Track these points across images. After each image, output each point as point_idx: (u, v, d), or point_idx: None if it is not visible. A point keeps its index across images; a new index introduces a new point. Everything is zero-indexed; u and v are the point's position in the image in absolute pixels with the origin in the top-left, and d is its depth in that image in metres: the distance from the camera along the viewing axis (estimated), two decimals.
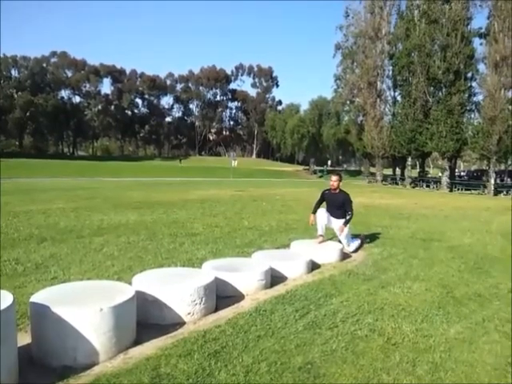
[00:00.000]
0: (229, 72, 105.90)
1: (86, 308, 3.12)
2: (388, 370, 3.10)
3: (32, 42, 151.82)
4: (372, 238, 8.52)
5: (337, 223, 7.20)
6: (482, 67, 37.23)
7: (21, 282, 4.87)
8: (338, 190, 7.32)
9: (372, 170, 54.22)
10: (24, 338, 3.34)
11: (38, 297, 3.27)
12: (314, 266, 5.96)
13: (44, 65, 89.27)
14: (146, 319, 3.75)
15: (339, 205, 7.24)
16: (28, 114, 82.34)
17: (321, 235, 6.97)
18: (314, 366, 3.10)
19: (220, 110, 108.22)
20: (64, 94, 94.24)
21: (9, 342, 2.78)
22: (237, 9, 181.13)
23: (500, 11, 33.09)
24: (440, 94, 38.13)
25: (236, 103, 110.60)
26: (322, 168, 66.56)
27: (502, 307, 4.56)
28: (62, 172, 41.18)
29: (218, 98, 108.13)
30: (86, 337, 3.07)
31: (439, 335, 3.75)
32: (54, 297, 3.30)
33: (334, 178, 7.33)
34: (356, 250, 7.25)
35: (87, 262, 5.89)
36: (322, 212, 7.15)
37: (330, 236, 7.62)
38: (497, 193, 33.83)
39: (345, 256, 6.77)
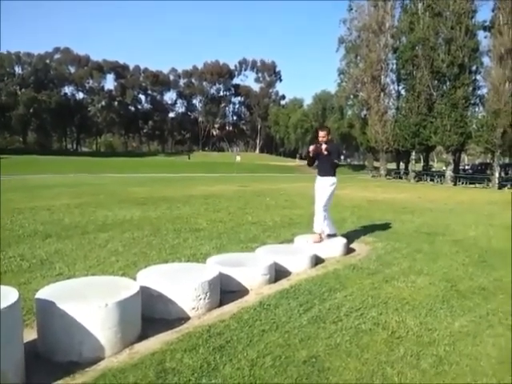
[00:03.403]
0: (232, 67, 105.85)
1: (91, 303, 3.15)
2: (392, 363, 3.11)
3: (35, 39, 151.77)
4: (376, 232, 8.52)
5: (322, 183, 6.81)
6: (486, 60, 37.07)
7: (26, 278, 4.90)
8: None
9: (376, 164, 54.14)
10: (30, 334, 3.37)
11: (44, 293, 3.30)
12: (317, 261, 5.97)
13: (47, 61, 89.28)
14: (151, 314, 3.77)
15: (329, 156, 6.68)
16: (32, 110, 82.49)
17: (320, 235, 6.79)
18: (318, 360, 3.12)
19: (223, 105, 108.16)
20: (67, 90, 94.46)
21: (15, 338, 2.81)
22: (240, 3, 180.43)
23: (505, 3, 32.85)
24: (444, 87, 37.97)
25: (239, 98, 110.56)
26: None
27: (506, 300, 4.56)
28: (66, 168, 41.32)
29: (222, 93, 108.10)
30: (91, 332, 3.10)
31: (443, 329, 3.75)
32: (59, 293, 3.32)
33: (322, 133, 6.67)
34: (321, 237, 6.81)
35: (92, 257, 5.92)
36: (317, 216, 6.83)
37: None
38: (501, 186, 33.70)
39: (349, 250, 6.78)
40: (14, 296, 2.85)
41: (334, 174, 6.84)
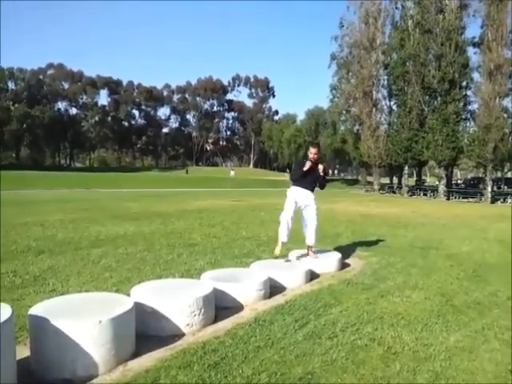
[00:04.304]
0: (225, 83, 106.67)
1: (84, 320, 3.12)
2: (388, 379, 3.09)
3: (29, 54, 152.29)
4: (370, 246, 8.52)
5: (308, 195, 6.65)
6: (476, 76, 37.56)
7: (19, 294, 4.85)
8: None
9: (369, 178, 54.42)
10: (23, 351, 3.32)
11: (37, 309, 3.26)
12: (312, 276, 5.96)
13: (41, 77, 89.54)
14: (144, 331, 3.73)
15: (316, 178, 6.66)
16: (25, 125, 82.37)
17: (282, 242, 6.64)
18: (314, 377, 3.09)
19: (217, 120, 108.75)
20: (61, 105, 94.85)
21: (7, 355, 2.77)
22: (233, 20, 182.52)
23: (492, 20, 33.43)
24: (435, 102, 38.31)
25: (233, 113, 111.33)
26: None
27: (501, 315, 4.56)
28: (59, 184, 41.08)
29: (215, 108, 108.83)
30: (85, 349, 3.06)
31: (439, 344, 3.74)
32: (52, 309, 3.28)
33: (314, 150, 6.51)
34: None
35: (85, 273, 5.87)
36: (287, 223, 6.61)
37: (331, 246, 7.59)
38: (494, 200, 33.92)
39: (343, 265, 6.77)
40: (7, 312, 2.82)
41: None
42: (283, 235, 6.65)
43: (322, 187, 6.95)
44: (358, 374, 3.15)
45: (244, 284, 4.80)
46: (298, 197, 6.65)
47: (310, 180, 6.66)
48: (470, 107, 38.97)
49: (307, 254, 6.72)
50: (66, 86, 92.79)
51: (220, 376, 3.06)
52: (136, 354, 3.42)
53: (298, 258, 6.63)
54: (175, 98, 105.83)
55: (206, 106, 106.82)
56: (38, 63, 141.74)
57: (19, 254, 7.13)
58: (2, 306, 2.93)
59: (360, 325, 4.13)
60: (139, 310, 3.69)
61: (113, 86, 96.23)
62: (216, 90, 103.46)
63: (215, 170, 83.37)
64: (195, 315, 3.93)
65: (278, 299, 4.94)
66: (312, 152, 6.51)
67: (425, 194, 40.73)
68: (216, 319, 4.22)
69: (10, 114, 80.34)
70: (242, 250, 7.81)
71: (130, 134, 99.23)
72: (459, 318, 4.43)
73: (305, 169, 6.46)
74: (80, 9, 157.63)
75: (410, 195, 40.98)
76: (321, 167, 6.55)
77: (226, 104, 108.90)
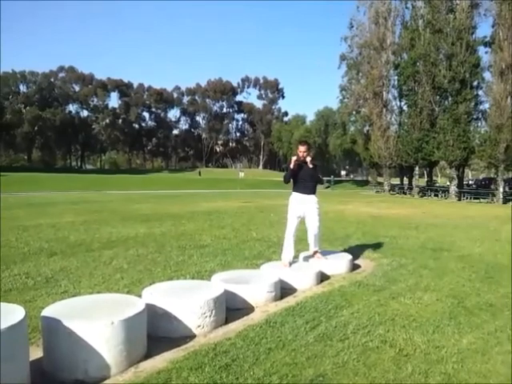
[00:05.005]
0: (235, 84, 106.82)
1: (96, 321, 3.14)
2: (400, 381, 3.08)
3: (40, 57, 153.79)
4: (381, 248, 8.48)
5: (310, 200, 6.47)
6: (487, 75, 37.22)
7: (31, 295, 4.90)
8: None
9: (379, 179, 54.13)
10: (36, 352, 3.36)
11: (49, 311, 3.29)
12: (323, 277, 5.94)
13: (52, 79, 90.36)
14: (156, 332, 3.75)
15: (311, 175, 6.40)
16: (36, 128, 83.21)
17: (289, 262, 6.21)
18: (325, 379, 3.08)
19: (226, 121, 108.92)
20: (72, 108, 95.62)
21: (21, 356, 2.80)
22: (243, 21, 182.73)
23: (504, 20, 33.09)
24: (446, 102, 38.04)
25: (242, 115, 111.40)
26: (328, 178, 65.65)
27: None
28: (71, 186, 41.42)
29: (225, 110, 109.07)
30: (97, 350, 3.08)
31: (451, 346, 3.71)
32: (64, 311, 3.31)
33: (303, 148, 6.30)
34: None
35: (97, 275, 5.91)
36: (291, 242, 6.37)
37: (339, 247, 7.55)
38: (506, 201, 33.56)
39: (354, 267, 6.74)
40: (20, 314, 2.85)
41: (315, 192, 6.58)
42: (287, 256, 6.29)
43: (319, 181, 6.69)
44: (369, 376, 3.14)
45: (254, 286, 4.81)
46: (299, 205, 6.46)
47: (306, 181, 6.42)
48: (481, 107, 38.65)
49: (313, 256, 6.66)
50: (77, 88, 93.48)
51: (231, 377, 3.06)
52: (147, 355, 3.44)
53: (308, 259, 6.62)
54: (185, 99, 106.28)
55: (216, 107, 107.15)
56: (49, 66, 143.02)
57: (31, 255, 7.21)
58: (15, 308, 2.96)
59: (371, 327, 4.11)
60: (151, 311, 3.71)
61: (123, 88, 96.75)
62: (225, 91, 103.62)
63: (225, 172, 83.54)
64: (206, 317, 3.94)
65: (289, 301, 4.93)
66: (301, 150, 6.32)
67: (436, 195, 40.44)
68: (227, 321, 4.23)
69: (21, 116, 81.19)
70: (252, 252, 7.81)
71: (140, 136, 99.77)
72: (471, 319, 4.40)
73: (291, 166, 6.31)
74: (90, 12, 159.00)
75: (421, 196, 40.69)
76: (308, 158, 6.26)
77: (235, 105, 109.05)
